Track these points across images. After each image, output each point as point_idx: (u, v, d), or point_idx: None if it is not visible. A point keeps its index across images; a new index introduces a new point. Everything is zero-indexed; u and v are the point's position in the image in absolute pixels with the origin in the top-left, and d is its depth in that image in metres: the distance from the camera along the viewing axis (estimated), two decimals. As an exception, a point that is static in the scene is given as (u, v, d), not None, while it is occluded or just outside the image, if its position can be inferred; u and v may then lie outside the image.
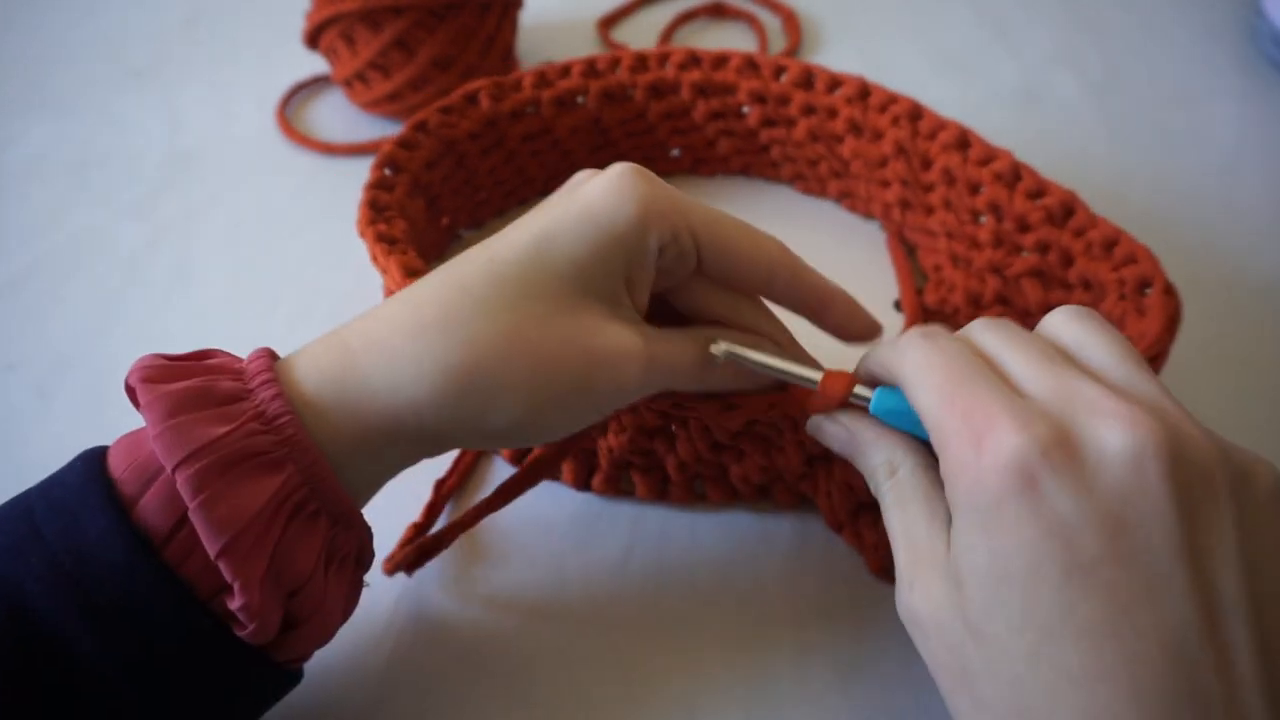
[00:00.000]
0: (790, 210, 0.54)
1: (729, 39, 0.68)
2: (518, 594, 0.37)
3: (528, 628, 0.36)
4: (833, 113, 0.49)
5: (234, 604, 0.26)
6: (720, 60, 0.51)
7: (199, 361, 0.29)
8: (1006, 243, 0.44)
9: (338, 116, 0.63)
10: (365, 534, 0.30)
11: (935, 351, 0.27)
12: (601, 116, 0.52)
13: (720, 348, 0.31)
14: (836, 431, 0.31)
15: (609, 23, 0.70)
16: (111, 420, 0.49)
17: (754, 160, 0.54)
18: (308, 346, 0.30)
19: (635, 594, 0.37)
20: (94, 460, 0.27)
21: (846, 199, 0.53)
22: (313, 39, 0.59)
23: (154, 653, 0.26)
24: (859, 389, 0.30)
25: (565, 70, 0.51)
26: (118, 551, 0.25)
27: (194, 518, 0.25)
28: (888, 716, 0.33)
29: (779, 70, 0.50)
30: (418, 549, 0.36)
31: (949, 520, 0.26)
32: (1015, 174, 0.43)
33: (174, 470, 0.26)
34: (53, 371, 0.48)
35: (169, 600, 0.26)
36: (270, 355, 0.29)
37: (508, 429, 0.29)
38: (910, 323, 0.45)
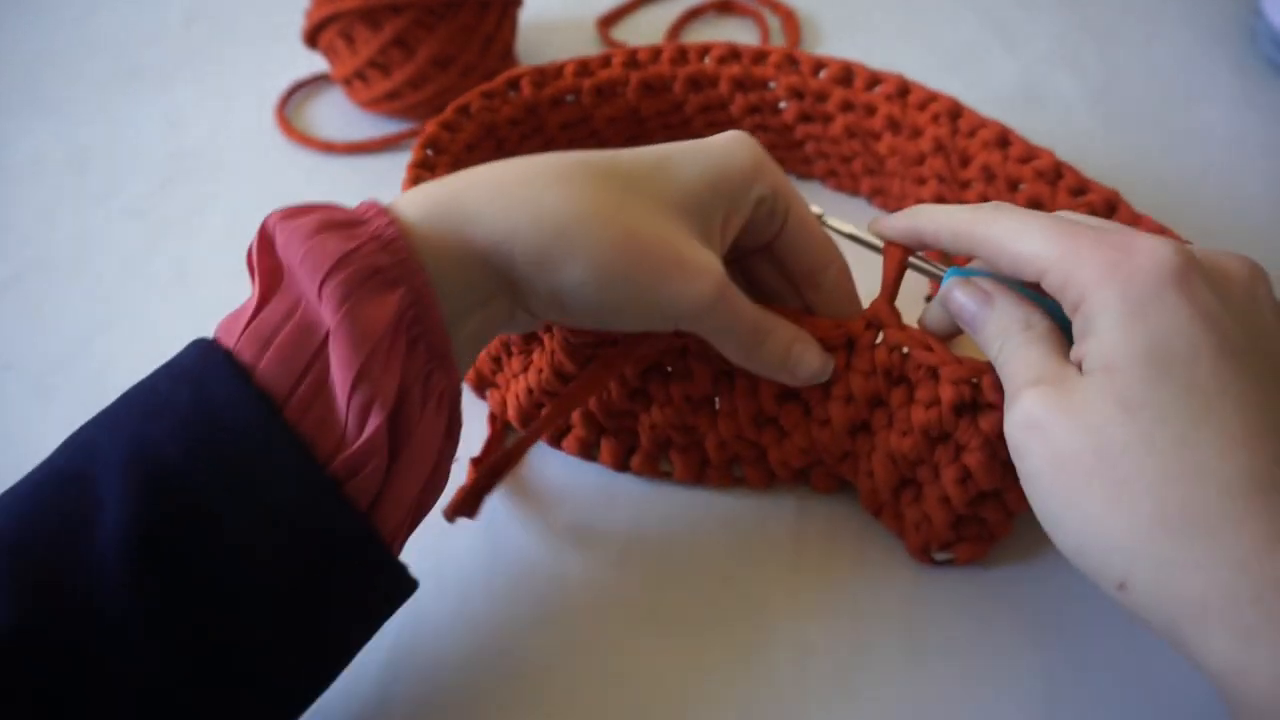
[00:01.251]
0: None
1: (731, 36, 0.68)
2: (518, 593, 0.37)
3: (527, 626, 0.36)
4: (871, 110, 0.49)
5: (363, 436, 0.27)
6: (760, 55, 0.51)
7: (319, 208, 0.30)
8: None
9: (337, 115, 0.63)
10: (456, 383, 0.30)
11: (1023, 211, 0.31)
12: (640, 107, 0.52)
13: (814, 208, 0.36)
14: (971, 293, 0.32)
15: (608, 22, 0.70)
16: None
17: (787, 156, 0.55)
18: (416, 189, 0.32)
19: (635, 593, 0.37)
20: (206, 341, 0.29)
21: (878, 196, 0.53)
22: (312, 38, 0.59)
23: (277, 511, 0.27)
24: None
25: (606, 60, 0.51)
26: (246, 410, 0.27)
27: (336, 333, 0.27)
28: (888, 716, 0.33)
29: (818, 67, 0.50)
30: (476, 482, 0.35)
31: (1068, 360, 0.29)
32: (1057, 172, 0.43)
33: (323, 281, 0.27)
34: (51, 371, 0.48)
35: (292, 457, 0.27)
36: (377, 202, 0.31)
37: (577, 288, 0.30)
38: None
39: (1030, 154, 0.44)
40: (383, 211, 0.30)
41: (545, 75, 0.50)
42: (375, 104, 0.61)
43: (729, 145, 0.34)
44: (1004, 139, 0.45)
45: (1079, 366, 0.28)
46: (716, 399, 0.38)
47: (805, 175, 0.55)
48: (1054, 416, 0.27)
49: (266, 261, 0.29)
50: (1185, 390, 0.26)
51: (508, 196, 0.30)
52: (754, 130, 0.53)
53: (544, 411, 0.38)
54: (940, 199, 0.48)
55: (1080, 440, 0.26)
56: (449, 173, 0.44)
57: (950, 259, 0.43)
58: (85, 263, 0.54)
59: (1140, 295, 0.27)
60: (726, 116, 0.53)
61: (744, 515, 0.39)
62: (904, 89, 0.48)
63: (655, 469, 0.40)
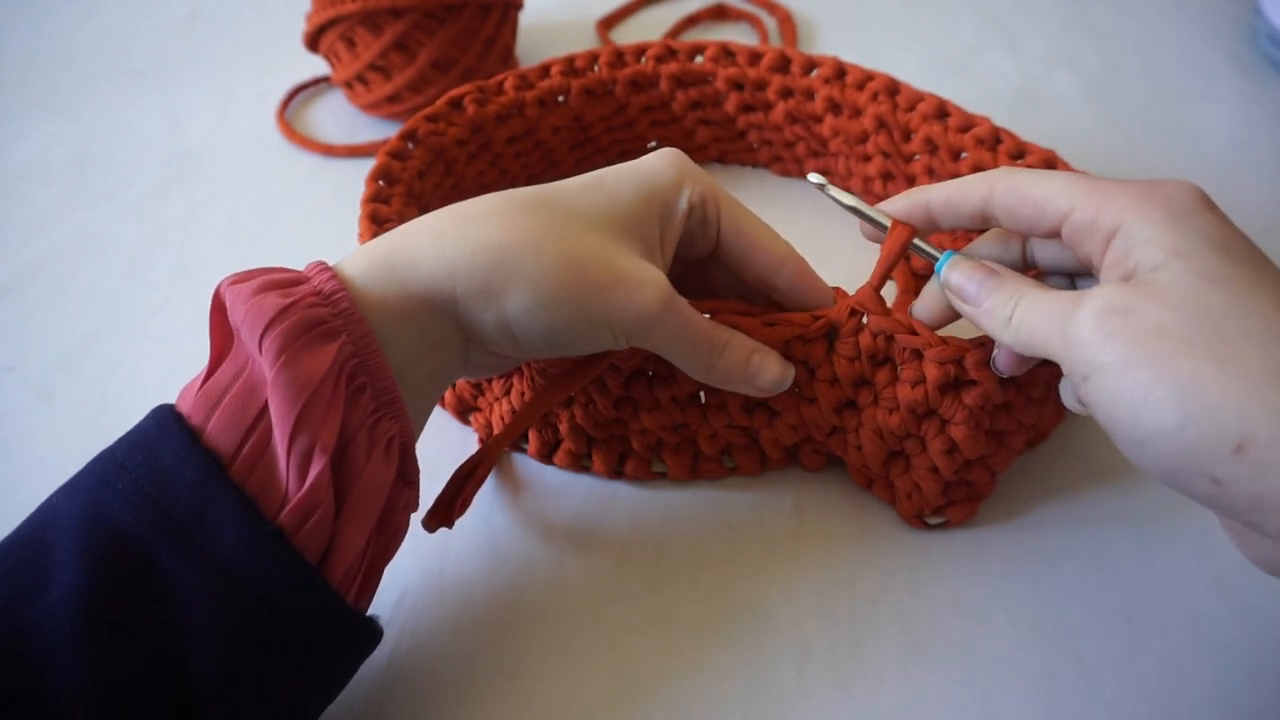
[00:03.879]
0: (769, 192, 0.55)
1: (729, 39, 0.68)
2: (518, 593, 0.37)
3: (527, 627, 0.36)
4: (810, 94, 0.50)
5: (306, 483, 0.27)
6: (696, 50, 0.52)
7: (265, 270, 0.31)
8: None
9: (338, 118, 0.63)
10: (407, 430, 0.31)
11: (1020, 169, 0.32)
12: (583, 114, 0.52)
13: (815, 177, 0.36)
14: (970, 270, 0.32)
15: (609, 23, 0.70)
16: (113, 420, 0.49)
17: (730, 147, 0.56)
18: (360, 246, 0.33)
19: (635, 593, 0.37)
20: (163, 408, 0.30)
21: (824, 177, 0.53)
22: (313, 41, 0.60)
23: (223, 567, 0.27)
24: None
25: (545, 70, 0.52)
26: (192, 470, 0.27)
27: (274, 384, 0.28)
28: (887, 715, 0.33)
29: (754, 57, 0.51)
30: (450, 490, 0.36)
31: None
32: (996, 137, 0.45)
33: (262, 336, 0.28)
34: (53, 372, 0.48)
35: (236, 511, 0.27)
36: (323, 262, 0.32)
37: (523, 315, 0.31)
38: (901, 288, 0.47)
39: (969, 122, 0.45)
40: (325, 269, 0.31)
41: (487, 91, 0.50)
42: (376, 107, 0.61)
43: (656, 161, 0.35)
44: (942, 110, 0.46)
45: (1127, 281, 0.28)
46: (702, 394, 0.38)
47: (751, 163, 0.56)
48: (1137, 299, 0.27)
49: (219, 326, 0.30)
50: (1258, 268, 0.27)
51: (443, 239, 0.31)
52: (697, 125, 0.54)
53: (508, 423, 0.38)
54: (886, 174, 0.50)
55: (1173, 314, 0.26)
56: (403, 203, 0.45)
57: (952, 243, 0.44)
58: (86, 264, 0.54)
59: (1181, 209, 0.28)
60: (669, 115, 0.54)
61: (742, 513, 0.40)
62: (840, 71, 0.49)
63: (648, 472, 0.40)
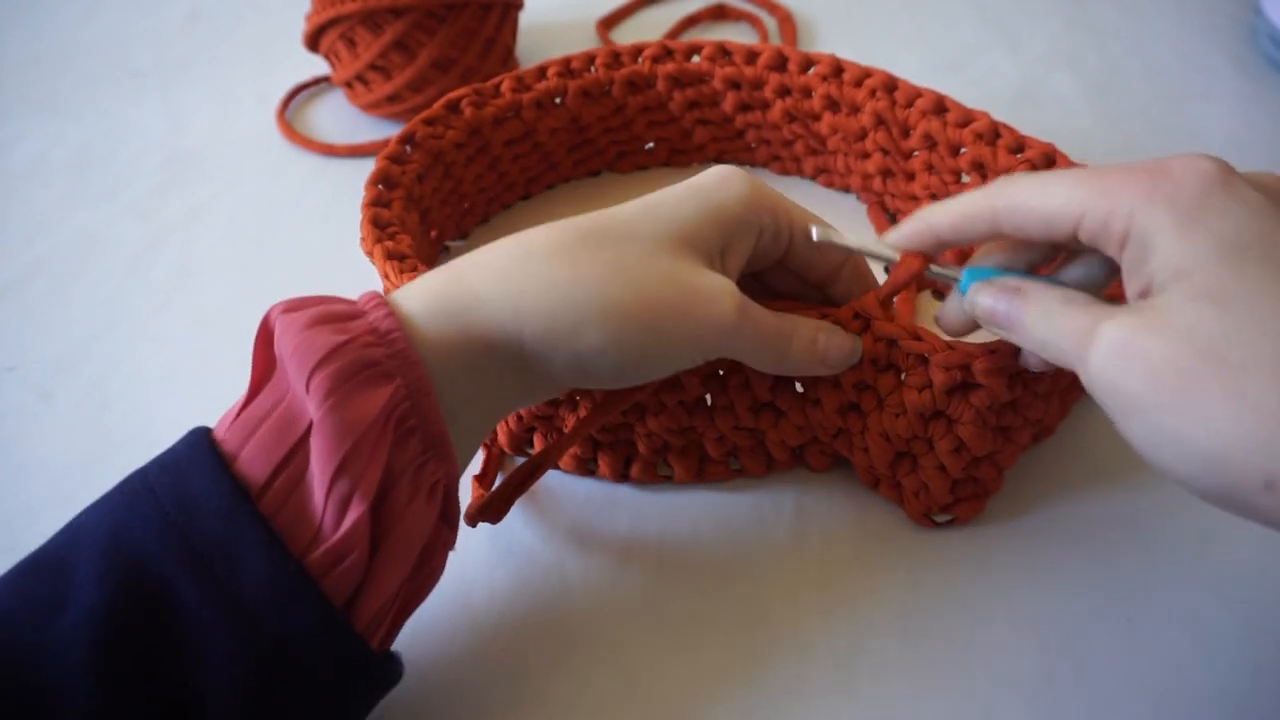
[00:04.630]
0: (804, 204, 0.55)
1: (729, 39, 0.68)
2: (518, 594, 0.37)
3: (528, 628, 0.36)
4: (808, 92, 0.50)
5: (342, 527, 0.27)
6: (693, 50, 0.52)
7: (320, 300, 0.31)
8: None
9: (338, 118, 0.63)
10: (453, 473, 0.30)
11: (1035, 173, 0.31)
12: (580, 115, 0.52)
13: (817, 231, 0.34)
14: (997, 293, 0.31)
15: (609, 23, 0.70)
16: (113, 420, 0.49)
17: (729, 146, 0.55)
18: (417, 279, 0.32)
19: (635, 594, 0.37)
20: (199, 431, 0.29)
21: (823, 175, 0.54)
22: (313, 41, 0.60)
23: (244, 603, 0.26)
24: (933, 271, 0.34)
25: (542, 72, 0.52)
26: (219, 499, 0.27)
27: (319, 426, 0.27)
28: (888, 715, 0.33)
29: (751, 55, 0.51)
30: (508, 488, 0.36)
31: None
32: (995, 132, 0.45)
33: (310, 375, 0.27)
34: (54, 372, 0.48)
35: (262, 545, 0.26)
36: (378, 293, 0.31)
37: (597, 355, 0.30)
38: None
39: (967, 117, 0.45)
40: (382, 303, 0.30)
41: (484, 94, 0.50)
42: (376, 107, 0.61)
43: (721, 183, 0.34)
44: (941, 105, 0.46)
45: (1144, 297, 0.27)
46: (709, 396, 0.38)
47: (749, 163, 0.56)
48: (1142, 335, 0.25)
49: (262, 352, 0.30)
50: (1272, 270, 0.25)
51: (507, 278, 0.30)
52: (695, 125, 0.54)
53: (537, 439, 0.39)
54: (885, 170, 0.50)
55: (1178, 347, 0.25)
56: (404, 207, 0.45)
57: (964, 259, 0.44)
58: (87, 265, 0.54)
59: (1189, 204, 0.26)
60: (666, 115, 0.54)
61: (744, 514, 0.40)
62: (838, 68, 0.49)
63: (654, 475, 0.40)
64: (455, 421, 0.30)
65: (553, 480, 0.41)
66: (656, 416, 0.38)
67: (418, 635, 0.36)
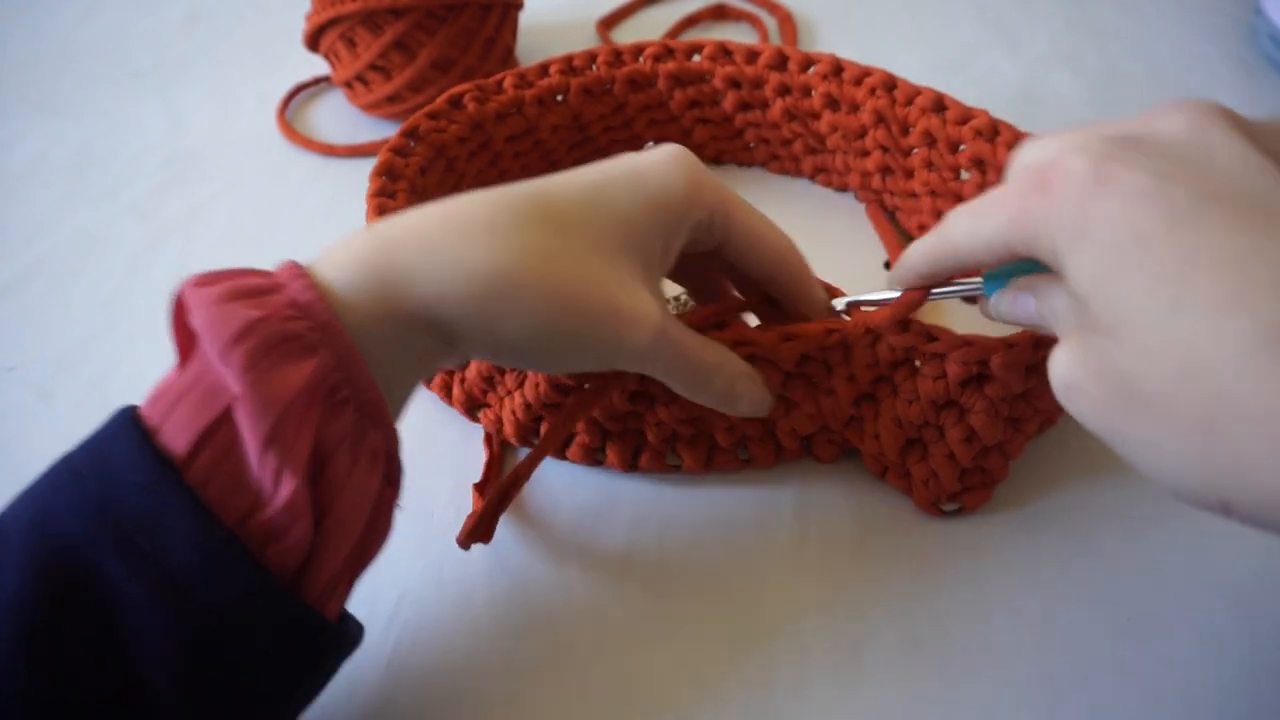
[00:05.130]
0: (766, 190, 0.55)
1: (729, 39, 0.68)
2: (518, 593, 0.37)
3: (528, 627, 0.36)
4: (808, 90, 0.50)
5: (277, 500, 0.26)
6: (693, 49, 0.52)
7: (234, 274, 0.30)
8: None
9: (338, 118, 0.63)
10: (392, 438, 0.30)
11: (969, 204, 0.29)
12: (581, 113, 0.52)
13: (839, 302, 0.36)
14: (1012, 299, 0.31)
15: (609, 23, 0.70)
16: (113, 421, 0.48)
17: (728, 146, 0.56)
18: (341, 239, 0.31)
19: (635, 593, 0.37)
20: (125, 409, 0.29)
21: (821, 174, 0.54)
22: (313, 41, 0.60)
23: (173, 574, 0.26)
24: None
25: (544, 69, 0.52)
26: (141, 472, 0.26)
27: (242, 401, 0.26)
28: (888, 715, 0.33)
29: (751, 55, 0.52)
30: (486, 507, 0.36)
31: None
32: (994, 129, 0.45)
33: (225, 351, 0.26)
34: (54, 372, 0.48)
35: (189, 516, 0.26)
36: (297, 264, 0.30)
37: (514, 342, 0.30)
38: (893, 258, 0.47)
39: (967, 115, 0.46)
40: (301, 275, 0.29)
41: (486, 90, 0.50)
42: (376, 107, 0.61)
43: (664, 170, 0.33)
44: (940, 103, 0.46)
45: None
46: None
47: (747, 162, 0.56)
48: (1079, 373, 0.26)
49: (181, 327, 0.29)
50: (1147, 280, 0.24)
51: (435, 252, 0.30)
52: (695, 124, 0.54)
53: (544, 429, 0.38)
54: (884, 168, 0.50)
55: (1105, 387, 0.25)
56: (407, 199, 0.45)
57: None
58: (87, 265, 0.54)
59: (1072, 217, 0.25)
60: (667, 114, 0.54)
61: (742, 513, 0.40)
62: (838, 67, 0.49)
63: (663, 464, 0.41)
64: (387, 388, 0.30)
65: (553, 480, 0.41)
66: (666, 406, 0.38)
67: (419, 639, 0.36)
